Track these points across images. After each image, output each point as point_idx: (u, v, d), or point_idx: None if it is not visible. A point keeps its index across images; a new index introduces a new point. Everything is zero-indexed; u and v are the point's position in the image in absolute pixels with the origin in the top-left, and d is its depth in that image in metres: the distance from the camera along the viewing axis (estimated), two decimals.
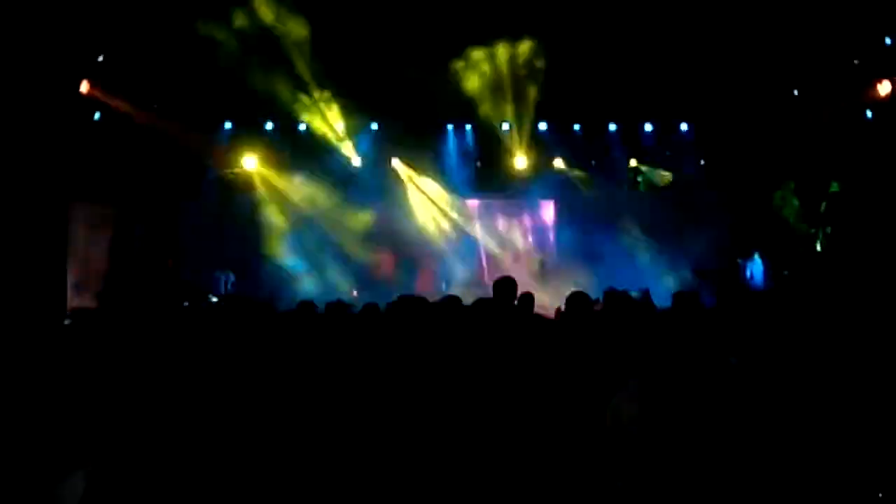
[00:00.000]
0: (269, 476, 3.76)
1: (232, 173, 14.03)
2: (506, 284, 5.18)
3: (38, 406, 4.06)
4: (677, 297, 4.98)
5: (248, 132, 14.01)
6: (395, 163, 14.68)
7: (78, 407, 4.20)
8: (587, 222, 13.84)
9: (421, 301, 4.71)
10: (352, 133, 13.95)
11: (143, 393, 4.28)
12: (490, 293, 5.08)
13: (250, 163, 14.02)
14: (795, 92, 11.90)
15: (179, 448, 3.92)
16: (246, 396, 3.97)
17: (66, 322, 5.98)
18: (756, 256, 12.38)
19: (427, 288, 13.23)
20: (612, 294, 5.20)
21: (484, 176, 14.71)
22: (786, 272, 12.14)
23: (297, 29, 11.75)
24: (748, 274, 12.48)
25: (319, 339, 4.48)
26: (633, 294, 5.68)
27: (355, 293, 13.18)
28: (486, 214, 15.51)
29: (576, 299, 4.88)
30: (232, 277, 13.09)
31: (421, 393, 3.66)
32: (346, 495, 3.47)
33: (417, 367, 3.83)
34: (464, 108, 13.07)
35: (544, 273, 14.05)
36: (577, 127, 14.34)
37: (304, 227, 14.14)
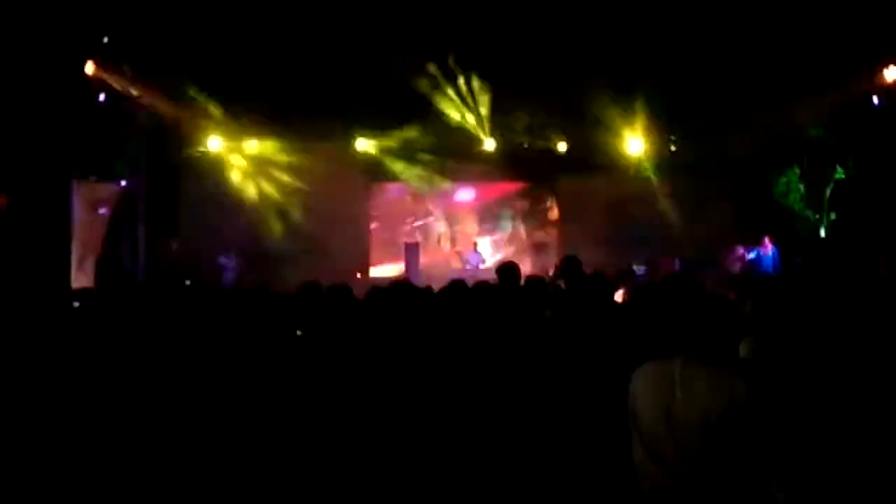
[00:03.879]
0: (270, 463, 3.75)
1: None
2: (510, 269, 5.16)
3: (43, 389, 4.05)
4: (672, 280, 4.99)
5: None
6: None
7: (81, 390, 4.19)
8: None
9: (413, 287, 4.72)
10: None
11: (146, 376, 4.26)
12: None
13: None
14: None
15: (178, 435, 3.90)
16: (248, 381, 3.93)
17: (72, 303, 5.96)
18: (766, 242, 12.26)
19: None
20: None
21: None
22: (798, 260, 12.10)
23: None
24: (751, 259, 12.41)
25: (323, 324, 4.39)
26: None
27: (359, 275, 13.17)
28: None
29: (569, 264, 4.94)
30: (233, 262, 12.95)
31: (427, 383, 3.63)
32: (354, 485, 3.45)
33: (423, 353, 3.81)
34: None
35: None
36: None
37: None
